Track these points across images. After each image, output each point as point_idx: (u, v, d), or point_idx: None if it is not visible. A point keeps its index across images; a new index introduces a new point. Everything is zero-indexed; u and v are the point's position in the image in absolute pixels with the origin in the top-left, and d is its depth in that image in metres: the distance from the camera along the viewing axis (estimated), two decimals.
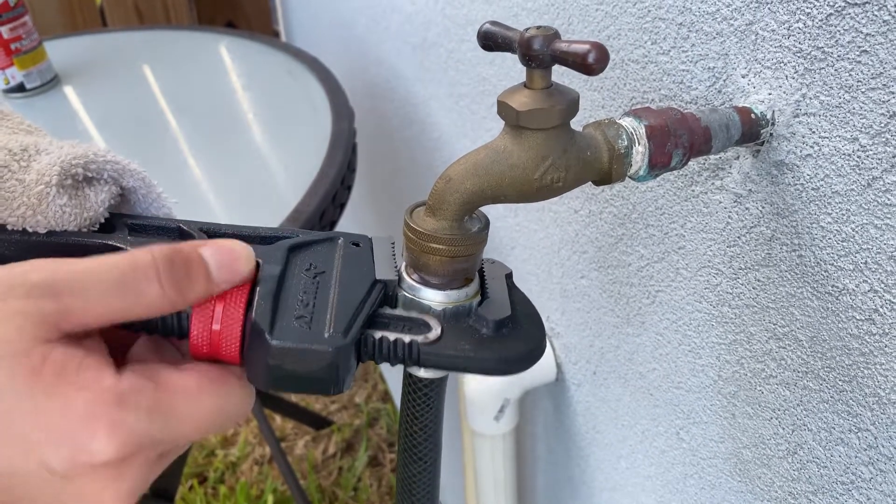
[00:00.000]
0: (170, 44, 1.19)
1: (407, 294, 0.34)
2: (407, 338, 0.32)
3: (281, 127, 0.92)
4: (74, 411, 0.26)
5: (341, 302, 0.31)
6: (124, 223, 0.35)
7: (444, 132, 0.90)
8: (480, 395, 0.70)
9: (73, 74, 1.09)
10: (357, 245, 0.35)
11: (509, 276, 0.37)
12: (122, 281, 0.28)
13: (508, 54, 0.68)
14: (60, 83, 1.06)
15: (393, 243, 0.37)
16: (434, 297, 0.34)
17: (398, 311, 0.33)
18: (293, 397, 1.75)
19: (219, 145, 0.90)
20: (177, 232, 0.35)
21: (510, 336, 0.33)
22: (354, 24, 1.21)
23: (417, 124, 1.00)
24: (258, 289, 0.31)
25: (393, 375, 1.69)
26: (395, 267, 0.35)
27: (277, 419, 1.70)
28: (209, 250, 0.30)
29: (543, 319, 0.72)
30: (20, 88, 1.01)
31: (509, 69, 0.67)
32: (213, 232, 0.34)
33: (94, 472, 0.26)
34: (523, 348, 0.33)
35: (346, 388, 0.31)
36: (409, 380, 0.38)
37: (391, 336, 0.32)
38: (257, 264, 0.32)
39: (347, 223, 1.65)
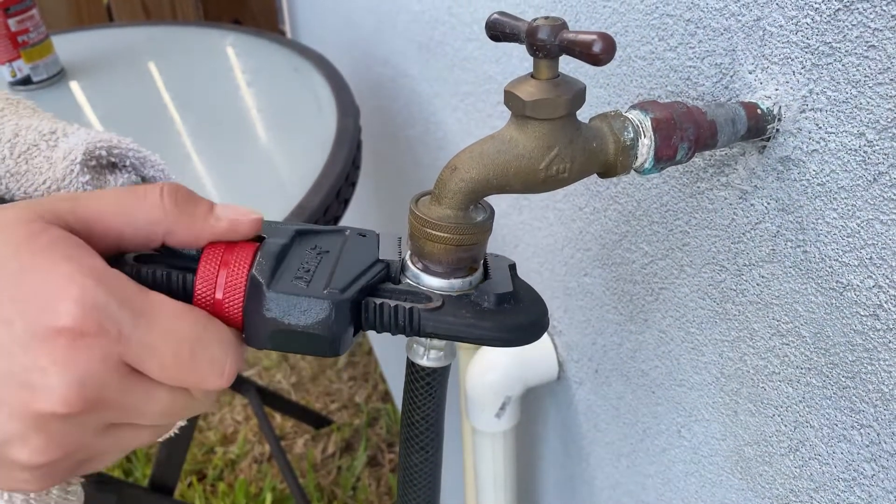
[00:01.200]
0: (176, 39, 1.20)
1: (410, 282, 0.34)
2: (408, 305, 0.32)
3: (286, 123, 0.92)
4: (54, 275, 0.26)
5: (341, 270, 0.32)
6: None
7: (449, 131, 0.90)
8: (482, 393, 0.70)
9: (79, 69, 1.09)
10: (363, 236, 0.36)
11: (512, 267, 0.37)
12: (130, 189, 0.30)
13: (515, 53, 0.68)
14: (66, 77, 1.06)
15: (399, 238, 0.37)
16: (437, 286, 0.34)
17: (401, 286, 0.33)
18: (293, 396, 1.75)
19: (224, 141, 0.90)
20: None
21: (511, 310, 0.33)
22: (361, 23, 1.21)
23: (422, 123, 1.00)
24: (260, 251, 0.31)
25: (393, 374, 1.69)
26: (399, 255, 0.35)
27: (277, 417, 1.70)
28: (219, 204, 0.32)
29: None
30: (27, 81, 1.01)
31: (515, 67, 0.67)
32: None
33: (51, 339, 0.25)
34: (525, 320, 0.33)
35: (342, 350, 0.31)
36: (411, 368, 0.38)
37: (392, 303, 0.32)
38: (262, 238, 0.32)
39: (351, 221, 1.65)
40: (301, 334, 0.30)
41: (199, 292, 0.30)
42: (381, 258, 0.34)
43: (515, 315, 0.33)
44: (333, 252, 0.34)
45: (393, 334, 0.33)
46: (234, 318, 0.31)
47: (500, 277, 0.35)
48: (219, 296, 0.30)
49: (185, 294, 0.31)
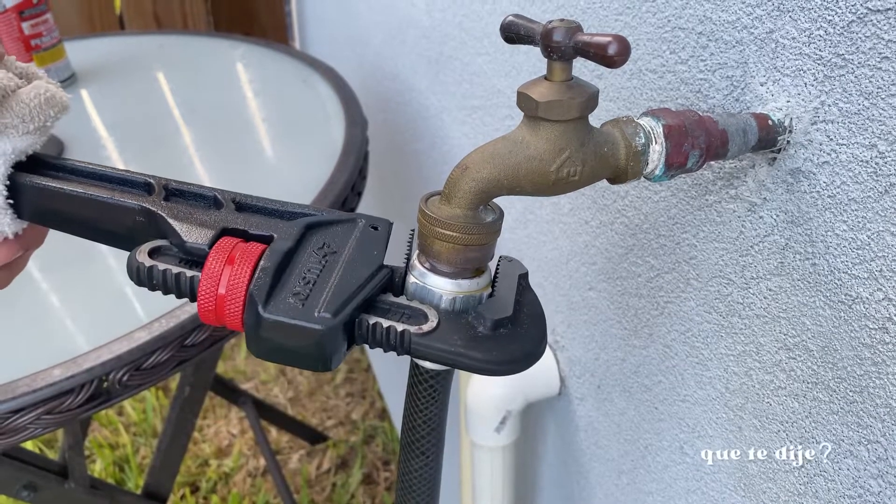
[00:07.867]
0: (186, 48, 1.20)
1: (417, 281, 0.34)
2: (400, 326, 0.31)
3: (294, 132, 0.93)
4: None
5: (341, 283, 0.32)
6: (163, 186, 0.35)
7: (455, 144, 0.90)
8: (482, 406, 0.69)
9: (90, 74, 1.10)
10: (376, 228, 0.36)
11: (524, 277, 0.36)
12: None
13: (525, 67, 0.68)
14: (77, 82, 1.07)
15: (413, 231, 0.37)
16: (444, 286, 0.34)
17: (400, 300, 0.33)
18: (289, 410, 1.74)
19: (231, 149, 0.91)
20: (212, 200, 0.35)
21: (506, 337, 0.32)
22: (370, 39, 1.22)
23: (428, 137, 1.00)
24: (261, 262, 0.31)
25: (391, 392, 1.68)
26: (407, 255, 0.35)
27: (273, 432, 1.68)
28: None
29: (549, 333, 0.72)
30: None
31: (525, 81, 0.67)
32: (242, 204, 0.35)
33: None
34: (517, 352, 0.32)
35: (333, 367, 0.31)
36: (414, 371, 0.37)
37: (385, 323, 0.32)
38: (270, 237, 0.32)
39: None
40: (294, 352, 0.31)
41: (203, 290, 0.31)
42: (385, 264, 0.34)
43: (508, 345, 0.32)
44: (341, 252, 0.34)
45: (385, 351, 0.33)
46: (234, 322, 0.31)
47: (504, 292, 0.34)
48: (222, 291, 0.31)
49: (191, 292, 0.32)
